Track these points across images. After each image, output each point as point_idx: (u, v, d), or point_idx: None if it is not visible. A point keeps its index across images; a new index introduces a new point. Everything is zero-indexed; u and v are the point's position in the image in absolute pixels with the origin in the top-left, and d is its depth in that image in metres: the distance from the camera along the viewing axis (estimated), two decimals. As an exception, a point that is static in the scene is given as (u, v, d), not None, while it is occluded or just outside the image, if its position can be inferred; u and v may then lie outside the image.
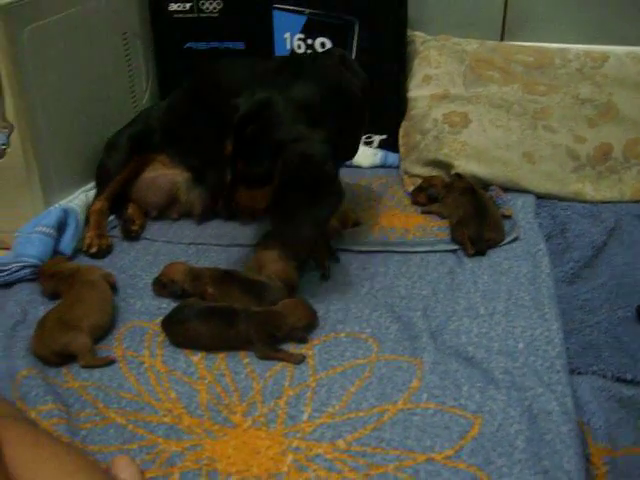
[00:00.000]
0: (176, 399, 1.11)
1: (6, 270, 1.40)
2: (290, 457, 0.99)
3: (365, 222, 1.60)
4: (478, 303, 1.29)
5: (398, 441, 1.00)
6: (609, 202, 1.67)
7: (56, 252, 1.47)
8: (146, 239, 1.57)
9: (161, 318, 1.26)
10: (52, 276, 1.35)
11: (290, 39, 1.87)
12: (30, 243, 1.43)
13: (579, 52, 1.91)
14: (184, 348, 1.22)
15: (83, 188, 1.63)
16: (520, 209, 1.59)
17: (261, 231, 1.50)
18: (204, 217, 1.62)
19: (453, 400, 1.07)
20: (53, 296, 1.34)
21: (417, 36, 2.01)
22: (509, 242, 1.47)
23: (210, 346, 1.20)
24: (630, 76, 1.83)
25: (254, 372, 1.16)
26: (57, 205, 1.53)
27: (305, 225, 1.25)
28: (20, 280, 1.40)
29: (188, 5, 1.87)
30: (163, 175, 1.64)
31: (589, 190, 1.68)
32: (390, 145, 1.91)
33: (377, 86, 1.86)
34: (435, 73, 1.90)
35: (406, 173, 1.79)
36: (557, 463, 0.94)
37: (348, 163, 1.86)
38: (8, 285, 1.40)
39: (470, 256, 1.43)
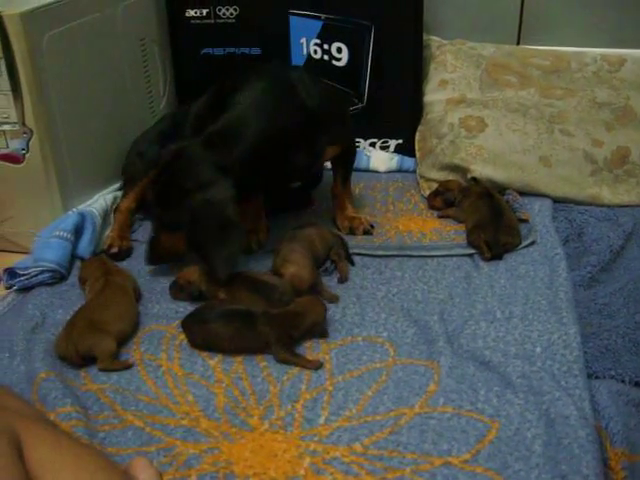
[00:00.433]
0: (193, 402, 1.11)
1: (25, 274, 1.41)
2: (307, 460, 0.99)
3: (381, 226, 1.60)
4: (495, 307, 1.29)
5: (415, 445, 1.00)
6: (627, 206, 1.67)
7: (74, 256, 1.48)
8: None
9: (179, 322, 1.27)
10: (102, 265, 1.38)
11: (306, 44, 1.88)
12: (48, 248, 1.44)
13: (596, 56, 1.91)
14: (202, 350, 1.22)
15: (101, 192, 1.65)
16: (537, 213, 1.59)
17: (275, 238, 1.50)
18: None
19: (470, 404, 1.07)
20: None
21: (433, 40, 2.01)
22: (526, 246, 1.47)
23: (229, 348, 1.21)
24: (647, 80, 1.83)
25: (271, 375, 1.16)
26: (74, 210, 1.54)
27: (217, 264, 1.33)
28: (39, 284, 1.41)
29: (205, 11, 1.88)
30: None
31: (606, 194, 1.68)
32: (406, 149, 1.92)
33: (393, 91, 1.88)
34: (451, 77, 1.90)
35: (422, 177, 1.79)
36: (575, 468, 0.93)
37: (364, 167, 1.89)
38: (27, 289, 1.41)
39: (487, 260, 1.43)
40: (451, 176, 1.72)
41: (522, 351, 1.17)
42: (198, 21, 1.89)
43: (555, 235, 1.50)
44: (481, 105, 1.81)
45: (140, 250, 1.54)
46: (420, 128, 1.89)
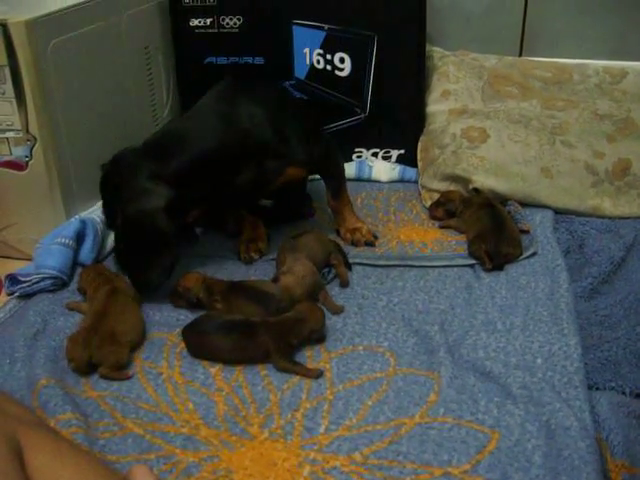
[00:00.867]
0: (193, 410, 1.11)
1: (27, 281, 1.41)
2: (307, 469, 0.99)
3: (383, 236, 1.60)
4: (496, 318, 1.29)
5: (415, 455, 1.00)
6: (628, 218, 1.67)
7: (76, 263, 1.48)
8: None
9: (180, 329, 1.27)
10: (99, 274, 1.37)
11: (309, 54, 1.88)
12: (50, 254, 1.44)
13: (598, 68, 1.91)
14: (202, 360, 1.22)
15: (104, 200, 1.65)
16: (538, 224, 1.59)
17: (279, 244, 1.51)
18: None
19: (470, 414, 1.07)
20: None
21: (436, 51, 2.02)
22: (527, 257, 1.47)
23: (229, 359, 1.21)
24: (649, 92, 1.83)
25: (271, 384, 1.16)
26: (76, 216, 1.55)
27: (151, 273, 1.36)
28: (41, 291, 1.41)
29: (209, 21, 1.89)
30: None
31: (608, 205, 1.68)
32: (408, 160, 1.92)
33: (395, 101, 1.89)
34: (454, 88, 1.91)
35: (424, 188, 1.79)
36: (575, 479, 0.93)
37: (366, 177, 1.89)
38: (29, 295, 1.41)
39: (488, 271, 1.43)
40: (453, 187, 1.73)
41: (523, 362, 1.17)
42: (202, 30, 1.90)
43: (556, 246, 1.50)
44: (483, 116, 1.82)
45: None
46: (422, 138, 1.90)
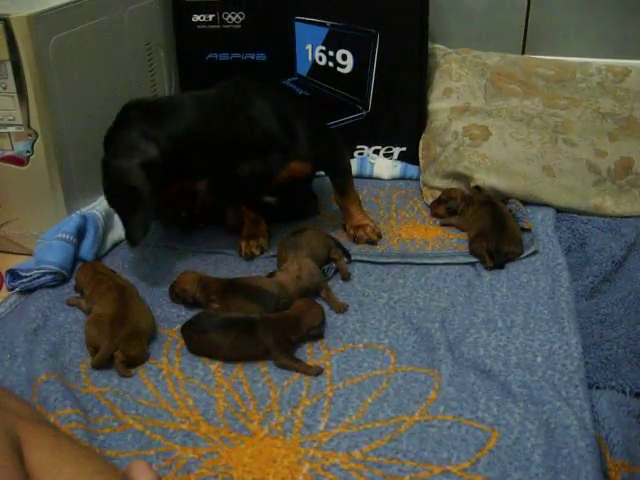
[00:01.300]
0: (193, 406, 1.11)
1: (28, 276, 1.41)
2: (306, 466, 0.99)
3: (384, 233, 1.60)
4: (496, 316, 1.29)
5: (414, 452, 1.00)
6: (629, 216, 1.66)
7: (77, 259, 1.48)
8: (166, 247, 1.58)
9: (179, 326, 1.27)
10: (97, 272, 1.36)
11: (312, 51, 1.88)
12: (51, 250, 1.44)
13: (600, 66, 1.91)
14: (202, 357, 1.22)
15: (105, 195, 1.65)
16: (540, 223, 1.59)
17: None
18: None
19: (470, 412, 1.07)
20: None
21: (438, 49, 2.01)
22: (528, 255, 1.47)
23: (229, 357, 1.21)
24: (652, 91, 1.83)
25: (271, 381, 1.16)
26: (77, 212, 1.55)
27: (129, 229, 1.38)
28: (41, 286, 1.41)
29: (211, 17, 1.88)
30: None
31: (609, 204, 1.68)
32: (410, 157, 1.92)
33: (397, 98, 1.89)
34: (456, 86, 1.91)
35: (425, 185, 1.79)
36: (574, 478, 0.93)
37: (368, 174, 1.89)
38: (29, 291, 1.41)
39: (489, 269, 1.43)
40: (454, 184, 1.73)
41: (523, 360, 1.17)
42: (204, 26, 1.90)
43: (557, 245, 1.50)
44: (485, 114, 1.81)
45: (140, 254, 1.55)
46: (424, 136, 1.90)
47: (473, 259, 1.48)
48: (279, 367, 1.19)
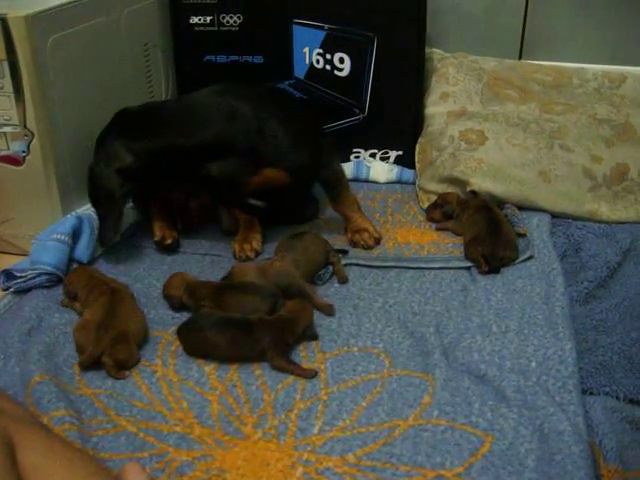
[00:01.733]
0: (187, 409, 1.11)
1: (23, 277, 1.41)
2: (300, 470, 0.99)
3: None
4: (491, 321, 1.29)
5: (408, 457, 1.00)
6: (625, 222, 1.67)
7: (72, 260, 1.48)
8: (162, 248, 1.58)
9: (174, 328, 1.27)
10: (91, 277, 1.36)
11: (309, 54, 1.88)
12: (46, 251, 1.43)
13: (597, 72, 1.91)
14: (198, 357, 1.22)
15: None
16: (535, 228, 1.59)
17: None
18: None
19: (464, 417, 1.07)
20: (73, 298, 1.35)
21: (435, 53, 2.02)
22: (523, 261, 1.47)
23: (226, 356, 1.21)
24: (648, 97, 1.83)
25: (266, 384, 1.16)
26: (73, 213, 1.54)
27: (101, 233, 1.49)
28: (36, 287, 1.41)
29: (209, 19, 1.88)
30: None
31: (605, 210, 1.68)
32: (406, 161, 1.92)
33: (394, 102, 1.89)
34: (452, 90, 1.91)
35: (421, 189, 1.79)
36: (568, 483, 0.94)
37: (364, 178, 1.89)
38: (24, 291, 1.41)
39: (484, 274, 1.43)
40: (450, 189, 1.73)
41: (517, 365, 1.17)
42: (201, 28, 1.90)
43: (552, 250, 1.50)
44: (482, 118, 1.82)
45: (135, 255, 1.55)
46: (420, 140, 1.90)
47: (468, 264, 1.48)
48: (274, 369, 1.19)
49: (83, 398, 1.13)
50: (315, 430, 1.06)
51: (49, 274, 1.41)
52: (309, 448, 1.02)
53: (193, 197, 1.61)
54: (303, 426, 1.07)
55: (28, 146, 1.49)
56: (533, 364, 1.17)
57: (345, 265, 1.48)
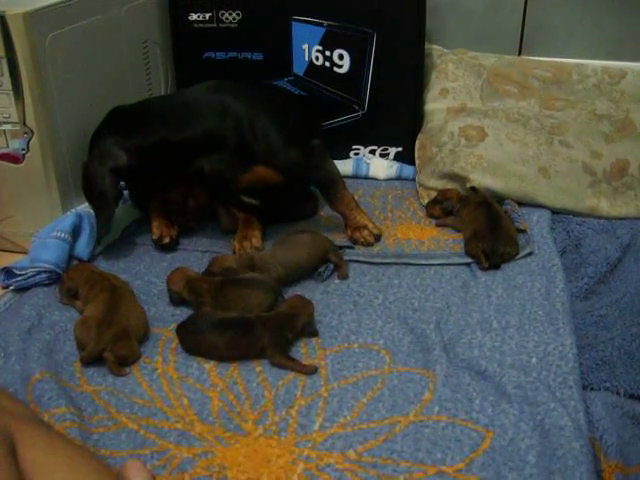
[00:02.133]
0: (188, 406, 1.11)
1: (22, 275, 1.41)
2: (301, 466, 0.99)
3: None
4: (491, 317, 1.29)
5: (409, 453, 1.00)
6: (625, 218, 1.67)
7: (72, 257, 1.48)
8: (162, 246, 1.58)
9: (175, 325, 1.27)
10: (92, 272, 1.36)
11: (308, 50, 1.88)
12: (46, 248, 1.43)
13: (597, 68, 1.91)
14: (197, 356, 1.22)
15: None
16: (535, 224, 1.59)
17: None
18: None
19: (465, 413, 1.07)
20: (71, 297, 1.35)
21: (435, 49, 2.01)
22: (523, 256, 1.47)
23: (225, 357, 1.21)
24: (647, 93, 1.83)
25: (266, 380, 1.16)
26: (73, 210, 1.54)
27: (97, 228, 1.49)
28: (36, 284, 1.41)
29: (208, 15, 1.88)
30: None
31: (605, 206, 1.68)
32: (406, 157, 1.92)
33: (394, 99, 1.89)
34: (452, 87, 1.91)
35: (421, 186, 1.79)
36: (569, 479, 0.93)
37: (364, 174, 1.89)
38: (24, 289, 1.41)
39: (484, 270, 1.43)
40: (450, 185, 1.73)
41: (518, 361, 1.17)
42: (201, 25, 1.90)
43: (553, 246, 1.50)
44: (481, 115, 1.81)
45: (136, 252, 1.55)
46: (420, 136, 1.90)
47: (468, 260, 1.48)
48: (274, 366, 1.19)
49: (84, 395, 1.13)
50: (316, 426, 1.06)
51: (49, 272, 1.41)
52: (310, 444, 1.03)
53: (191, 196, 1.61)
54: (304, 422, 1.07)
55: (27, 144, 1.49)
56: (534, 360, 1.17)
57: (345, 261, 1.48)
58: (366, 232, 1.56)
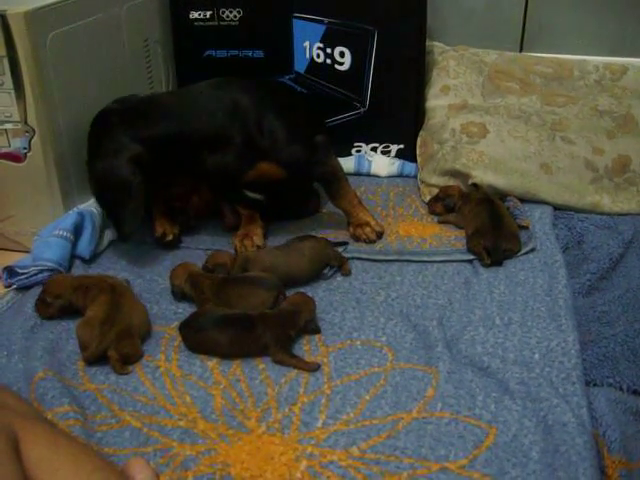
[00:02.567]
0: (191, 403, 1.11)
1: (25, 273, 1.41)
2: (304, 463, 0.99)
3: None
4: (494, 313, 1.29)
5: (412, 449, 1.00)
6: (626, 214, 1.67)
7: (74, 256, 1.48)
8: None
9: (178, 323, 1.27)
10: (77, 289, 1.31)
11: (309, 48, 1.88)
12: (48, 247, 1.44)
13: (598, 64, 1.91)
14: (200, 354, 1.22)
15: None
16: (537, 220, 1.59)
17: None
18: None
19: (468, 410, 1.07)
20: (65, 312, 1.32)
21: (436, 46, 2.01)
22: (526, 253, 1.47)
23: (228, 354, 1.21)
24: (649, 89, 1.83)
25: (269, 378, 1.16)
26: (75, 209, 1.54)
27: (122, 222, 1.46)
28: (38, 283, 1.40)
29: (209, 13, 1.88)
30: None
31: (607, 202, 1.68)
32: (407, 155, 1.92)
33: (395, 96, 1.89)
34: (453, 83, 1.91)
35: (423, 183, 1.79)
36: (572, 475, 0.93)
37: (365, 172, 1.89)
38: (27, 288, 1.41)
39: (486, 266, 1.43)
40: (452, 182, 1.73)
41: (520, 357, 1.17)
42: (201, 23, 1.89)
43: (555, 242, 1.50)
44: (483, 111, 1.81)
45: (138, 250, 1.55)
46: (421, 133, 1.90)
47: (471, 256, 1.48)
48: (276, 363, 1.19)
49: (87, 394, 1.13)
50: (319, 424, 1.06)
51: (51, 270, 1.41)
52: (313, 442, 1.02)
53: (194, 194, 1.61)
54: (307, 420, 1.07)
55: (29, 143, 1.49)
56: (536, 356, 1.17)
57: (347, 259, 1.48)
58: (368, 229, 1.56)
